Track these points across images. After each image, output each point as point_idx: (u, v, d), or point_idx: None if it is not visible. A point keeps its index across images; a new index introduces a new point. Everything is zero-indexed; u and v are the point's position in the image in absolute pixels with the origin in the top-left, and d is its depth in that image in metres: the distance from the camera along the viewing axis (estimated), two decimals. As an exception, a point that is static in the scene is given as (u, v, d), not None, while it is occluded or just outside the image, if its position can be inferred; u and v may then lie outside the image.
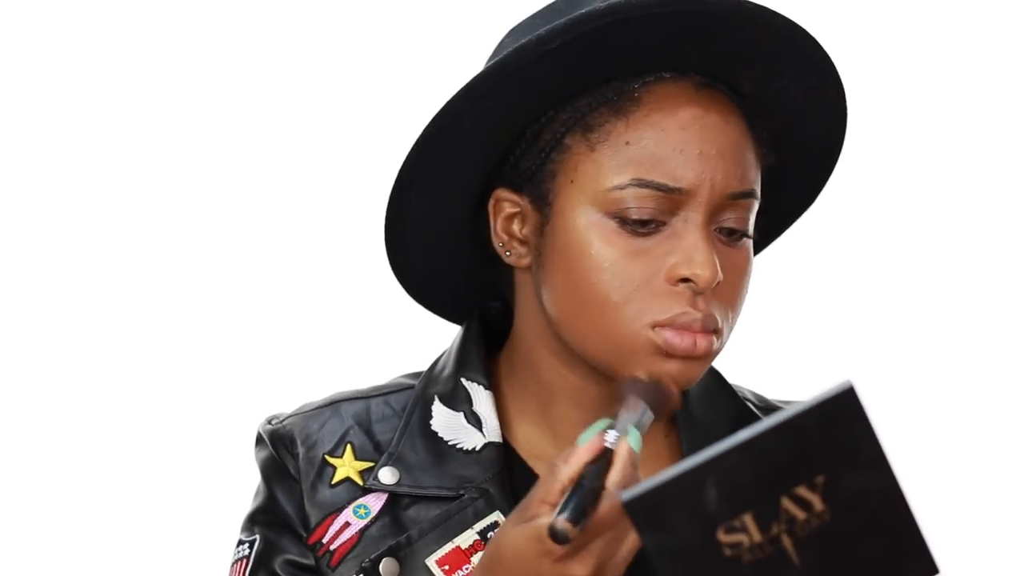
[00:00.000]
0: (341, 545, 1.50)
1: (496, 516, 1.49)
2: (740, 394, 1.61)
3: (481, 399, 1.54)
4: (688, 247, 1.41)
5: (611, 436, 1.32)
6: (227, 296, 2.71)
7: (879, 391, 2.61)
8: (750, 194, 1.45)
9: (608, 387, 1.50)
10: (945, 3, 2.71)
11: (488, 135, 1.47)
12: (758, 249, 1.59)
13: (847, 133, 1.54)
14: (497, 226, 1.49)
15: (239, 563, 1.53)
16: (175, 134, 2.71)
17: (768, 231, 1.59)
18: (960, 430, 2.69)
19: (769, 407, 1.62)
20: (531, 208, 1.47)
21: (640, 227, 1.42)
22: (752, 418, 1.58)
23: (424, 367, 1.60)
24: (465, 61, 1.57)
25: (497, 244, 1.50)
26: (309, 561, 1.51)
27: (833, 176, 1.57)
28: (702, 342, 1.42)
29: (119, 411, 2.70)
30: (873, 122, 2.55)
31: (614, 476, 1.30)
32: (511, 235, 1.49)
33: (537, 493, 1.32)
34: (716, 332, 1.44)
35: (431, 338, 1.68)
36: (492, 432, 1.53)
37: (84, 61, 2.70)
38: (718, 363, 1.61)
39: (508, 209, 1.49)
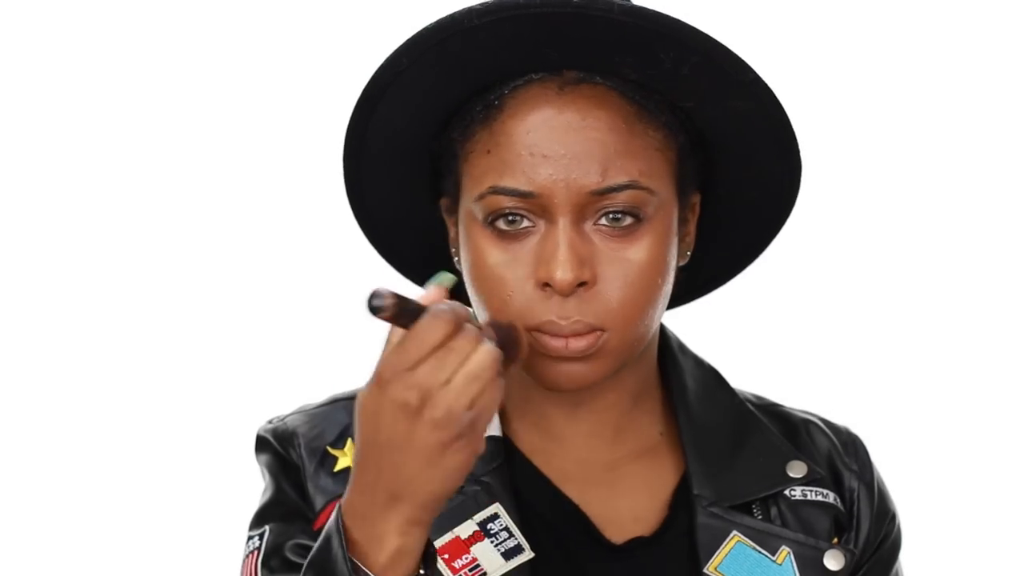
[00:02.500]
0: None
1: (496, 508, 1.49)
2: (740, 395, 1.62)
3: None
4: (547, 251, 1.41)
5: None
6: (224, 297, 2.71)
7: (879, 391, 2.64)
8: (622, 187, 1.41)
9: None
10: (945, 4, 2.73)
11: (412, 147, 1.50)
12: (733, 273, 1.61)
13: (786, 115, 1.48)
14: (451, 233, 1.52)
15: (251, 556, 1.53)
16: (173, 135, 2.71)
17: (726, 270, 1.60)
18: (960, 431, 2.70)
19: (767, 407, 1.63)
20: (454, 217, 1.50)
21: (506, 233, 1.42)
22: (751, 416, 1.59)
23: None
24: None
25: (452, 250, 1.52)
26: None
27: (832, 177, 1.56)
28: (576, 343, 1.42)
29: (117, 412, 2.69)
30: (873, 123, 2.55)
31: (444, 300, 1.31)
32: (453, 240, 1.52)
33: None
34: (596, 329, 1.42)
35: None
36: (493, 426, 1.53)
37: (84, 61, 2.70)
38: (717, 363, 1.64)
39: (448, 215, 1.52)
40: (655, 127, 1.44)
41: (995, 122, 2.72)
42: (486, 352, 1.28)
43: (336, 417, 1.57)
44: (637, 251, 1.43)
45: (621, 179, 1.41)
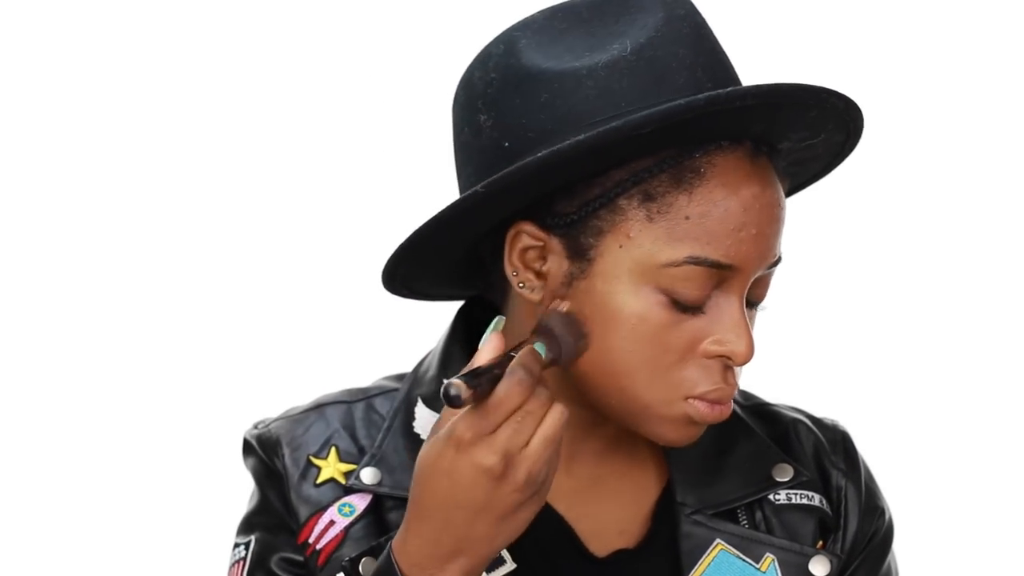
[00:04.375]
0: (327, 544, 1.51)
1: None
2: None
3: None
4: (730, 325, 1.40)
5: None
6: (218, 297, 2.71)
7: (878, 391, 2.63)
8: (779, 261, 1.44)
9: (589, 411, 1.48)
10: (944, 6, 2.68)
11: (540, 188, 1.41)
12: None
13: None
14: (513, 255, 1.44)
15: (236, 565, 1.55)
16: (171, 137, 2.70)
17: None
18: (960, 432, 2.69)
19: (754, 405, 1.62)
20: (562, 252, 1.42)
21: (689, 307, 1.39)
22: (736, 420, 1.58)
23: (410, 368, 1.60)
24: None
25: (509, 272, 1.44)
26: (303, 559, 1.52)
27: (831, 178, 1.56)
28: (725, 411, 1.43)
29: (112, 414, 2.70)
30: (871, 123, 2.53)
31: (515, 360, 1.31)
32: (527, 265, 1.44)
33: (444, 411, 1.34)
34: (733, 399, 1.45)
35: (419, 337, 1.68)
36: None
37: (84, 61, 2.69)
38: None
39: (528, 242, 1.43)
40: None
41: (992, 121, 2.69)
42: (559, 414, 1.31)
43: (320, 424, 1.57)
44: (754, 319, 1.46)
45: (779, 252, 1.44)
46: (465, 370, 1.31)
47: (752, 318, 1.45)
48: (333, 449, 1.55)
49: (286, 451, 1.55)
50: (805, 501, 1.54)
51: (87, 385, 2.70)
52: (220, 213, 2.71)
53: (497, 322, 1.37)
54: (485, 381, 1.29)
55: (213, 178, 2.71)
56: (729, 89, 1.37)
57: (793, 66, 2.30)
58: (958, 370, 2.69)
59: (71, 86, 2.70)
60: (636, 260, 1.39)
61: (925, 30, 2.67)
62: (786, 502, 1.54)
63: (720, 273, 1.39)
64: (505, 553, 1.48)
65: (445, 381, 1.27)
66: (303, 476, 1.54)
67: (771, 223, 1.41)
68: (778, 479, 1.54)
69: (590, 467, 1.54)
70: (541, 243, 1.42)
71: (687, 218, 1.38)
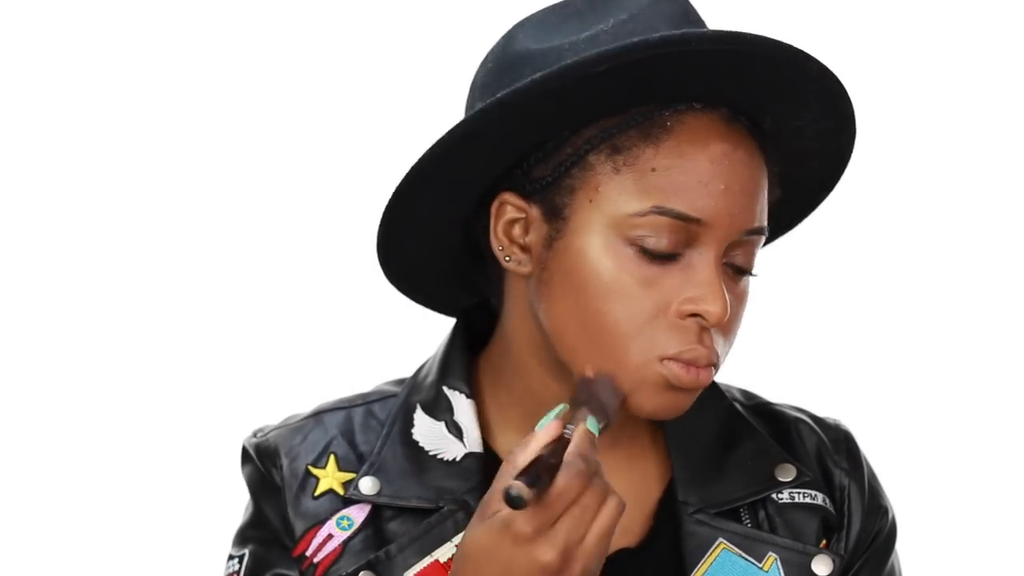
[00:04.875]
0: (324, 558, 1.50)
1: None
2: (728, 394, 1.60)
3: (462, 408, 1.53)
4: (702, 282, 1.40)
5: (568, 428, 1.34)
6: (219, 301, 2.70)
7: (873, 386, 2.62)
8: (762, 231, 1.44)
9: None
10: (943, 8, 2.69)
11: (511, 141, 1.45)
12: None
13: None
14: (498, 228, 1.47)
15: None
16: (173, 140, 2.70)
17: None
18: (962, 431, 2.68)
19: (757, 405, 1.61)
20: (540, 218, 1.44)
21: (657, 258, 1.40)
22: (740, 420, 1.57)
23: (410, 373, 1.59)
24: (462, 62, 1.55)
25: (496, 247, 1.47)
26: (296, 575, 1.51)
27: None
28: (704, 376, 1.42)
29: (111, 417, 2.70)
30: (870, 126, 2.53)
31: (572, 448, 1.31)
32: (511, 240, 1.46)
33: (497, 486, 1.33)
34: (716, 365, 1.43)
35: (419, 342, 1.67)
36: (473, 442, 1.51)
37: (84, 61, 2.69)
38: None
39: (511, 214, 1.46)
40: (771, 179, 1.46)
41: (990, 120, 2.69)
42: (615, 507, 1.31)
43: (319, 432, 1.56)
44: (741, 294, 1.45)
45: (763, 222, 1.44)
46: (520, 454, 1.31)
47: (742, 287, 1.45)
48: (332, 457, 1.54)
49: (284, 461, 1.54)
50: (808, 500, 1.53)
51: (87, 390, 2.70)
52: (222, 218, 2.71)
53: (560, 410, 1.36)
54: (544, 475, 1.29)
55: (216, 184, 2.71)
56: (684, 30, 1.40)
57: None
58: (960, 369, 2.68)
59: (71, 87, 2.70)
60: (605, 213, 1.41)
61: (924, 30, 2.67)
62: (789, 501, 1.53)
63: (689, 228, 1.40)
64: None
65: (507, 485, 1.26)
66: (301, 488, 1.53)
67: (743, 183, 1.41)
68: (781, 479, 1.53)
69: None
70: (523, 214, 1.45)
71: (653, 170, 1.40)
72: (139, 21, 2.69)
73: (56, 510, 2.68)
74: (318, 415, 1.58)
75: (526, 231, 1.45)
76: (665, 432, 1.55)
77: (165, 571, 2.64)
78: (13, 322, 2.70)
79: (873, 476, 1.58)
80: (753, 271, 1.45)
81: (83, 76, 2.70)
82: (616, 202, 1.40)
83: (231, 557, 1.55)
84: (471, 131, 1.42)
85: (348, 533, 1.51)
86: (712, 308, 1.40)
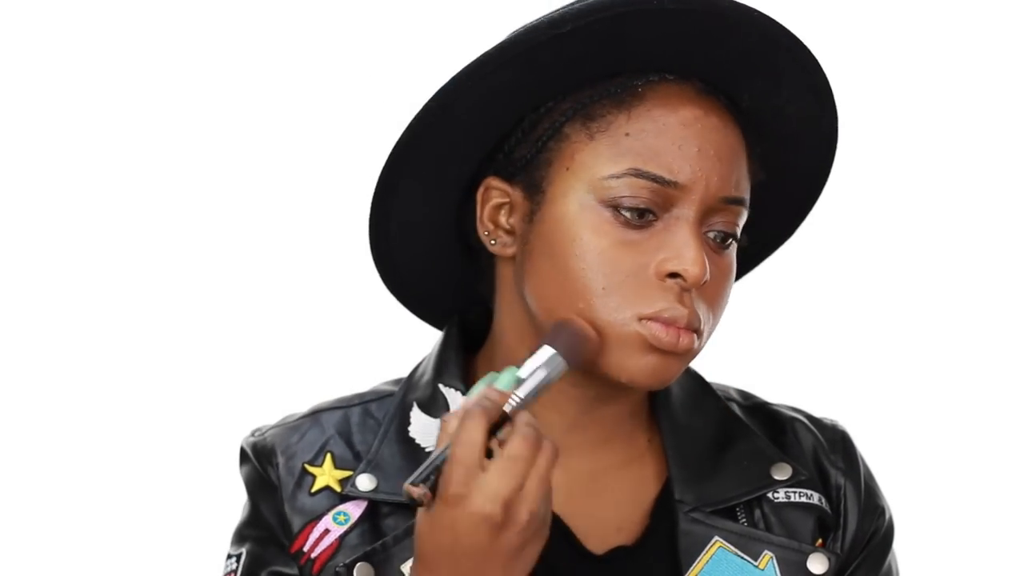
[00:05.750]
0: (322, 552, 1.51)
1: None
2: (724, 395, 1.60)
3: (458, 405, 1.53)
4: (679, 243, 1.41)
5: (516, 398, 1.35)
6: (218, 301, 2.70)
7: (871, 386, 2.61)
8: (742, 201, 1.45)
9: (589, 390, 1.50)
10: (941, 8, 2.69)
11: (484, 120, 1.47)
12: (736, 278, 1.59)
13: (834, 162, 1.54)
14: (484, 214, 1.49)
15: None
16: (172, 141, 2.70)
17: (747, 259, 1.58)
18: (960, 431, 2.67)
19: (753, 405, 1.61)
20: (522, 198, 1.46)
21: (634, 218, 1.41)
22: (736, 421, 1.58)
23: (406, 373, 1.60)
24: (461, 62, 1.55)
25: (482, 232, 1.49)
26: (294, 571, 1.51)
27: (838, 176, 1.57)
28: (685, 338, 1.42)
29: (111, 417, 2.69)
30: (869, 125, 2.53)
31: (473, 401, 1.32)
32: (497, 224, 1.48)
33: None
34: (698, 332, 1.43)
35: (416, 342, 1.67)
36: None
37: (84, 61, 2.70)
38: (708, 364, 1.61)
39: (496, 199, 1.48)
40: (751, 157, 1.47)
41: (990, 120, 2.69)
42: (549, 450, 1.31)
43: (316, 431, 1.56)
44: (726, 265, 1.46)
45: (743, 194, 1.45)
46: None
47: (727, 260, 1.45)
48: (328, 456, 1.54)
49: (280, 460, 1.54)
50: (804, 499, 1.54)
51: (85, 391, 2.69)
52: (220, 219, 2.71)
53: (488, 378, 1.37)
54: (440, 468, 1.30)
55: (214, 185, 2.71)
56: None
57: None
58: (958, 369, 2.67)
59: (70, 88, 2.71)
60: (581, 179, 1.42)
61: (922, 30, 2.68)
62: (785, 500, 1.53)
63: (666, 192, 1.41)
64: None
65: (405, 487, 1.29)
66: (298, 485, 1.53)
67: (717, 147, 1.43)
68: (777, 478, 1.54)
69: (585, 462, 1.53)
70: (508, 198, 1.47)
71: (627, 135, 1.42)
72: (138, 21, 2.69)
73: (53, 513, 2.68)
74: (315, 415, 1.58)
75: (511, 214, 1.48)
76: (662, 431, 1.55)
77: (161, 571, 2.64)
78: (10, 322, 2.71)
79: (870, 476, 1.58)
80: (738, 238, 1.46)
81: (83, 76, 2.70)
82: (592, 167, 1.42)
83: (229, 556, 1.55)
84: (442, 105, 1.45)
85: (345, 528, 1.51)
86: (690, 267, 1.40)
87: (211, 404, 2.65)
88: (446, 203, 1.52)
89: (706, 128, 1.43)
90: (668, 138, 1.42)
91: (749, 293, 1.68)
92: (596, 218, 1.42)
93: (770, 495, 1.53)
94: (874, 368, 2.66)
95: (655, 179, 1.41)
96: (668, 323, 1.41)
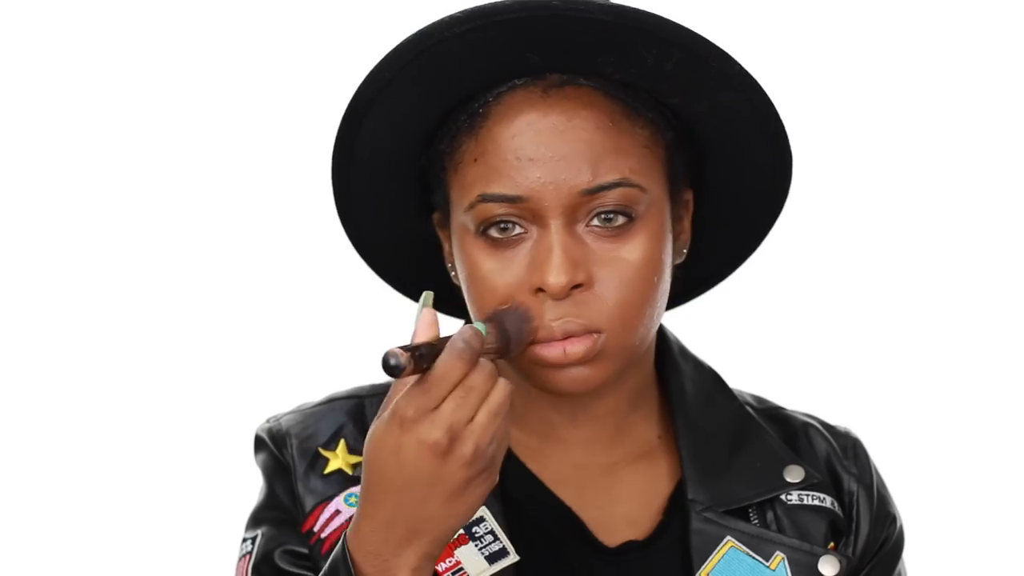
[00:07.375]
0: (332, 533, 1.51)
1: (482, 511, 1.49)
2: (740, 398, 1.61)
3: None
4: (540, 255, 1.40)
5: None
6: (224, 297, 2.70)
7: (879, 391, 2.62)
8: (612, 185, 1.40)
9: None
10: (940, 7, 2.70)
11: (404, 156, 1.49)
12: (730, 270, 1.59)
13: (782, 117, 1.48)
14: (445, 257, 1.51)
15: (243, 559, 1.54)
16: (174, 137, 2.71)
17: (734, 256, 1.58)
18: (970, 440, 2.68)
19: (768, 409, 1.62)
20: (449, 233, 1.49)
21: (503, 237, 1.41)
22: (750, 421, 1.58)
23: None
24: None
25: (449, 270, 1.51)
26: (307, 552, 1.52)
27: (829, 174, 1.55)
28: (573, 347, 1.40)
29: (116, 414, 2.69)
30: (867, 121, 2.54)
31: (455, 335, 1.30)
32: (451, 260, 1.51)
33: (391, 391, 1.33)
34: (594, 331, 1.40)
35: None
36: None
37: (83, 61, 2.70)
38: (718, 362, 1.62)
39: (443, 238, 1.51)
40: (642, 124, 1.43)
41: (990, 120, 2.69)
42: (504, 387, 1.30)
43: (330, 417, 1.57)
44: (631, 250, 1.41)
45: (611, 177, 1.40)
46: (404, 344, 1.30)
47: (626, 234, 1.41)
48: (342, 441, 1.55)
49: (294, 442, 1.55)
50: (816, 502, 1.54)
51: (94, 386, 2.69)
52: (227, 214, 2.71)
53: (425, 297, 1.35)
54: (427, 354, 1.28)
55: (220, 181, 2.71)
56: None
57: (789, 65, 2.31)
58: (971, 379, 2.67)
59: (70, 87, 2.71)
60: (457, 212, 1.44)
61: (921, 29, 2.69)
62: (797, 503, 1.54)
63: (521, 207, 1.40)
64: (508, 544, 1.48)
65: (385, 352, 1.25)
66: (311, 467, 1.54)
67: (554, 148, 1.40)
68: (789, 480, 1.54)
69: (595, 456, 1.54)
70: (446, 237, 1.49)
71: (475, 160, 1.42)
72: (137, 21, 2.70)
73: (55, 510, 2.68)
74: (331, 402, 1.59)
75: (451, 247, 1.49)
76: (676, 431, 1.55)
77: (161, 570, 2.64)
78: (9, 322, 2.70)
79: (882, 483, 1.59)
80: (636, 214, 1.41)
81: (83, 76, 2.71)
82: (458, 200, 1.44)
83: (244, 539, 1.55)
84: (355, 110, 1.46)
85: (355, 509, 1.51)
86: (548, 278, 1.39)
87: (211, 404, 2.65)
88: (401, 191, 1.53)
89: (540, 132, 1.40)
90: (504, 153, 1.40)
91: (759, 297, 1.68)
92: (473, 247, 1.42)
93: (783, 497, 1.53)
94: (887, 376, 2.66)
95: (502, 199, 1.40)
96: (545, 341, 1.40)
